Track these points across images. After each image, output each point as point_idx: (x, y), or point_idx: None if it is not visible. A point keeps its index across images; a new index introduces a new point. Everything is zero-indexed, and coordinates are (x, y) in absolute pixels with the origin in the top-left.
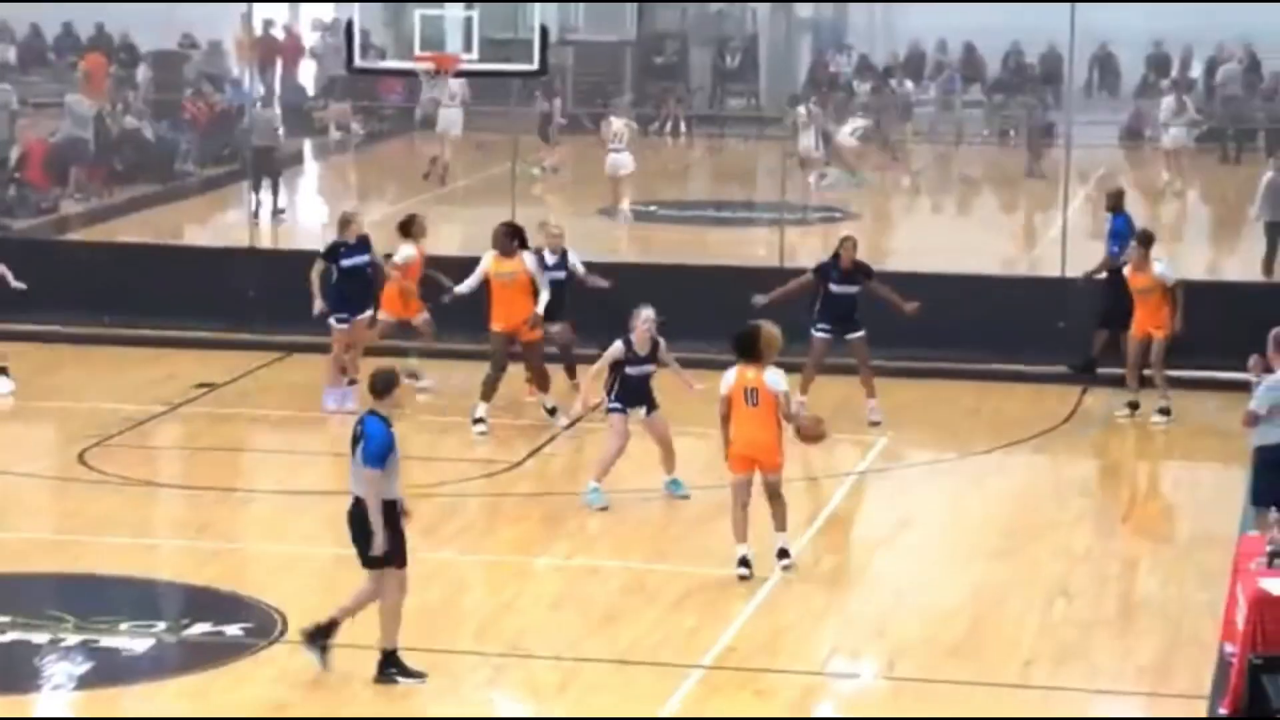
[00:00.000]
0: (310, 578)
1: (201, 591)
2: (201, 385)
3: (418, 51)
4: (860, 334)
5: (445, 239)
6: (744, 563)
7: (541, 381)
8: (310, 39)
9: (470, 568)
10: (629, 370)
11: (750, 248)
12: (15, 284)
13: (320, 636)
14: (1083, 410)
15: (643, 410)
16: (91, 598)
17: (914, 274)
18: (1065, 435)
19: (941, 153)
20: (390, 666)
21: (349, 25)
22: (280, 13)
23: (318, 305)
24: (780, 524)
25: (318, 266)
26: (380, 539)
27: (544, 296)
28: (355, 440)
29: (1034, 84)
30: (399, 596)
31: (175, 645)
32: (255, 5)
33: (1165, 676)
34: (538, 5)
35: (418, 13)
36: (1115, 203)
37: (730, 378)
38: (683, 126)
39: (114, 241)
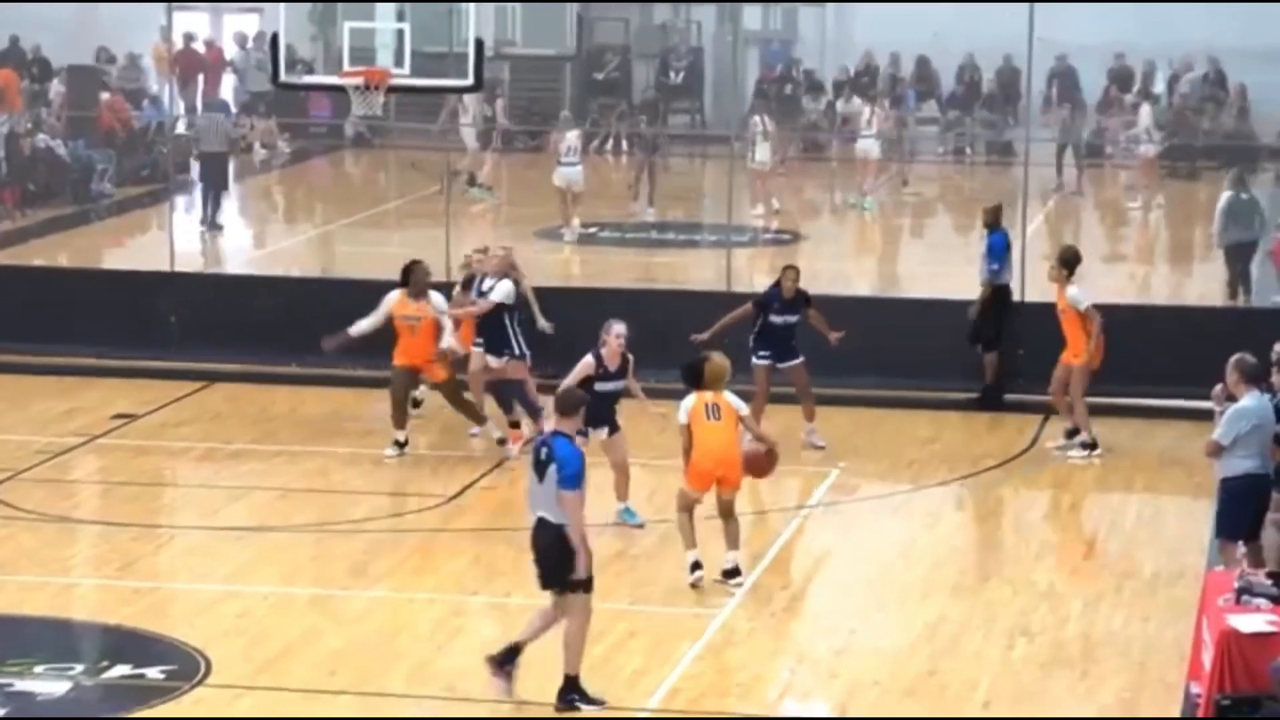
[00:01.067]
0: (235, 619)
1: (121, 632)
2: (119, 416)
3: (346, 66)
4: (798, 360)
5: (375, 262)
6: (697, 566)
7: (473, 416)
8: (232, 52)
9: (405, 606)
10: (598, 387)
11: (697, 271)
12: None
13: (506, 661)
14: (1043, 440)
15: (604, 431)
16: (5, 639)
17: (862, 298)
18: (1024, 466)
19: (894, 171)
20: (572, 692)
21: (274, 38)
22: (201, 25)
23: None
24: (734, 542)
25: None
26: (584, 562)
27: (447, 338)
28: (541, 463)
29: (991, 99)
30: (586, 620)
31: (94, 688)
32: (175, 16)
33: (1130, 716)
34: (473, 17)
35: (346, 25)
36: (992, 218)
37: (690, 401)
38: (624, 144)
39: (27, 265)
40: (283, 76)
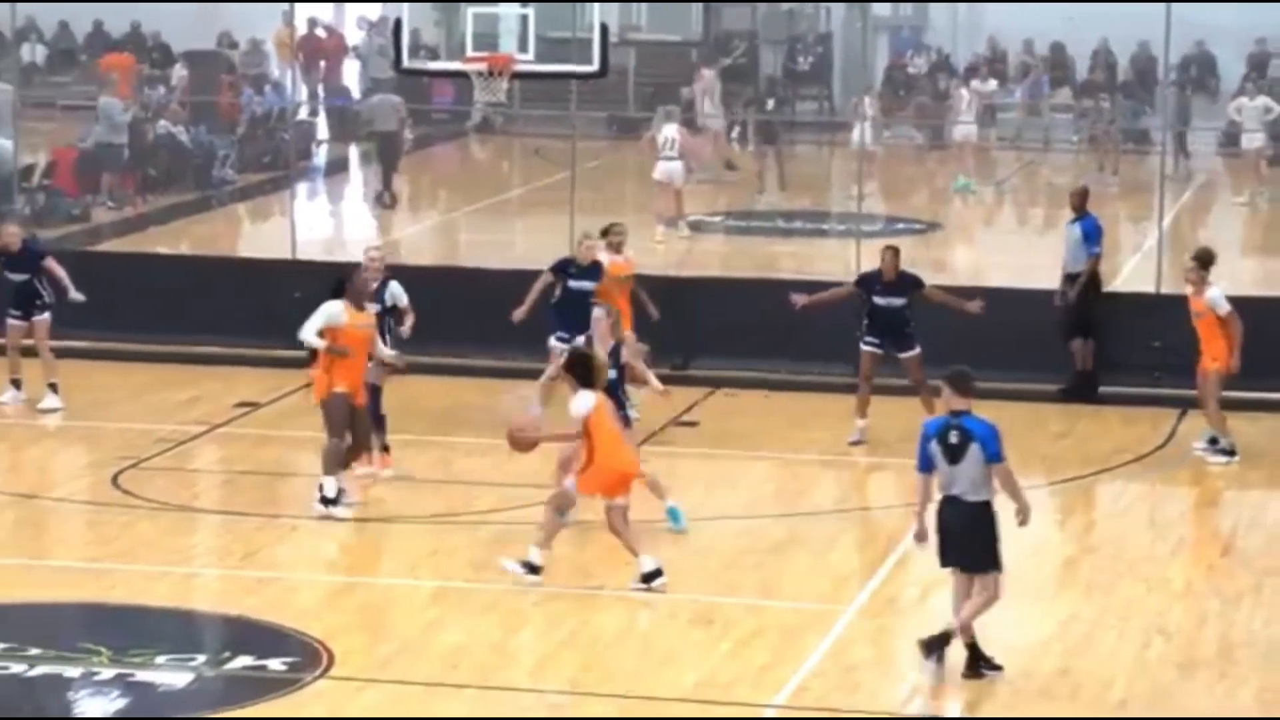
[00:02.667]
0: (357, 611)
1: (243, 623)
2: (242, 404)
3: (470, 52)
4: (913, 352)
5: (499, 250)
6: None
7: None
8: (355, 38)
9: (527, 600)
10: None
11: (824, 262)
12: (75, 295)
13: (937, 646)
14: (1179, 436)
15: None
16: (127, 629)
17: (993, 289)
18: (1160, 462)
19: (1028, 160)
20: (980, 660)
21: (397, 24)
22: (325, 10)
23: (518, 313)
24: (636, 548)
25: (544, 278)
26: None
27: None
28: (955, 445)
29: (1127, 86)
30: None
31: (215, 679)
32: (298, 3)
33: None
34: (597, 4)
35: (470, 11)
36: (1080, 203)
37: (590, 400)
38: (750, 131)
39: (148, 252)
40: (406, 62)
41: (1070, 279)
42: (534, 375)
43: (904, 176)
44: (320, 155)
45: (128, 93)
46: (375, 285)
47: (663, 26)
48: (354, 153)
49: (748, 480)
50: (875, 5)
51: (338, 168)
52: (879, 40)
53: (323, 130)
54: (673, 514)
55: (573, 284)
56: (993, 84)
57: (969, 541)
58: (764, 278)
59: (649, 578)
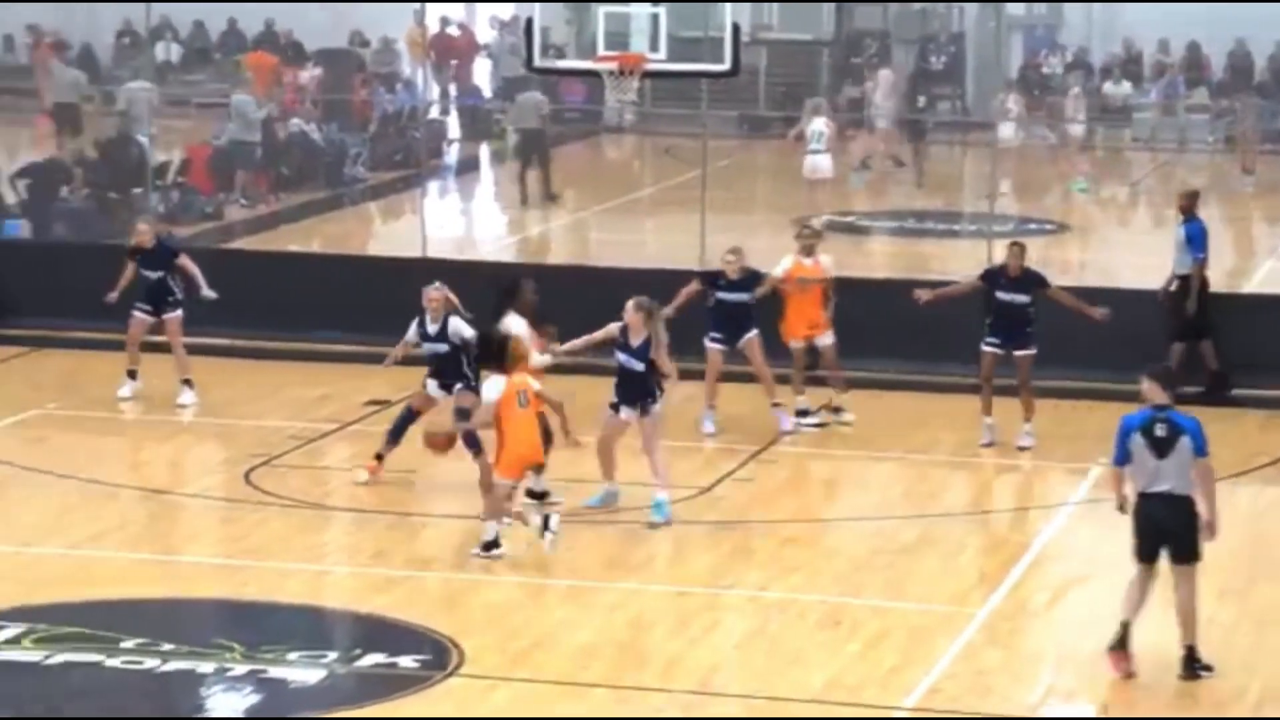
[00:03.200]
0: (488, 609)
1: (374, 620)
2: (373, 402)
3: (601, 51)
4: (1028, 352)
5: (628, 250)
6: (496, 544)
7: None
8: (487, 37)
9: (657, 599)
10: (620, 357)
11: (956, 261)
12: (207, 292)
13: (1124, 644)
14: None
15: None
16: (259, 626)
17: (1127, 290)
18: None
19: (1163, 161)
20: (1196, 662)
21: (529, 23)
22: (456, 9)
23: (666, 310)
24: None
25: (692, 287)
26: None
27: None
28: (1163, 439)
29: (1264, 86)
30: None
31: (347, 676)
32: (430, 2)
33: None
34: (729, 3)
35: (602, 10)
36: (1189, 205)
37: (500, 385)
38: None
39: (280, 250)
40: (537, 61)
41: (1181, 280)
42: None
43: (1038, 177)
44: (451, 154)
45: (264, 92)
46: (438, 325)
47: (794, 26)
48: (485, 151)
49: (876, 481)
50: (1009, 4)
51: (469, 166)
52: (1013, 39)
53: (454, 129)
54: (657, 507)
55: (722, 295)
56: (1126, 85)
57: (1184, 533)
58: (887, 278)
59: (488, 546)
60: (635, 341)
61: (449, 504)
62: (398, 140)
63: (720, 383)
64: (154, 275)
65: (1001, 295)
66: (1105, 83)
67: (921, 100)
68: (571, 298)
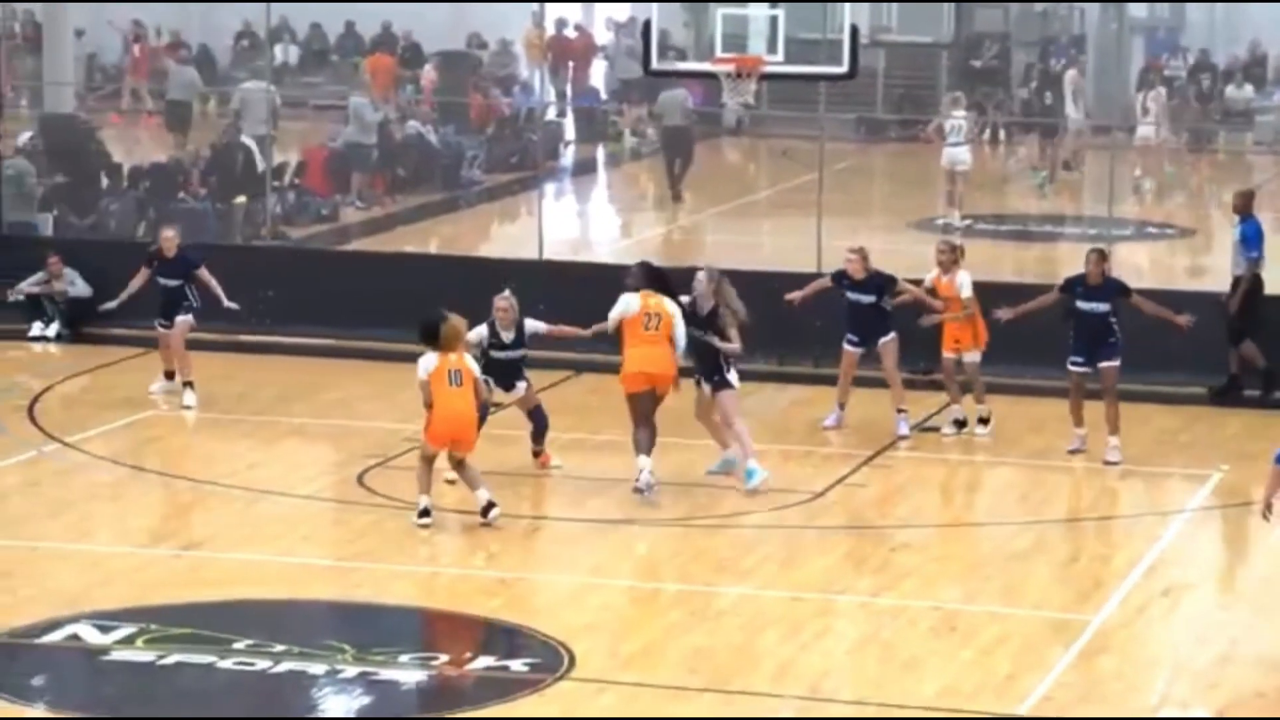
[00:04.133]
0: (598, 612)
1: (485, 624)
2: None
3: (719, 53)
4: (1112, 363)
5: (745, 252)
6: (426, 513)
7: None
8: (604, 38)
9: (769, 604)
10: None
11: (1074, 265)
12: (229, 304)
13: None
14: None
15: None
16: (370, 627)
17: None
18: None
19: None
20: None
21: (646, 25)
22: (573, 11)
23: (793, 295)
24: (475, 484)
25: (821, 283)
26: None
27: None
28: None
29: None
30: None
31: (458, 680)
32: (548, 4)
33: None
34: (848, 5)
35: (720, 12)
36: (1244, 204)
37: (431, 362)
38: (1002, 133)
39: (397, 251)
40: (654, 64)
41: (1237, 282)
42: (776, 378)
43: (1161, 181)
44: (568, 156)
45: (387, 92)
46: (511, 332)
47: (913, 28)
48: (601, 153)
49: (991, 486)
50: (1131, 6)
51: (585, 169)
52: (1135, 41)
53: (570, 131)
54: (749, 474)
55: (849, 295)
56: (1249, 89)
57: None
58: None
59: (485, 510)
60: (704, 309)
61: (559, 507)
62: (514, 142)
63: (852, 386)
64: (171, 283)
65: (1082, 304)
66: (1228, 85)
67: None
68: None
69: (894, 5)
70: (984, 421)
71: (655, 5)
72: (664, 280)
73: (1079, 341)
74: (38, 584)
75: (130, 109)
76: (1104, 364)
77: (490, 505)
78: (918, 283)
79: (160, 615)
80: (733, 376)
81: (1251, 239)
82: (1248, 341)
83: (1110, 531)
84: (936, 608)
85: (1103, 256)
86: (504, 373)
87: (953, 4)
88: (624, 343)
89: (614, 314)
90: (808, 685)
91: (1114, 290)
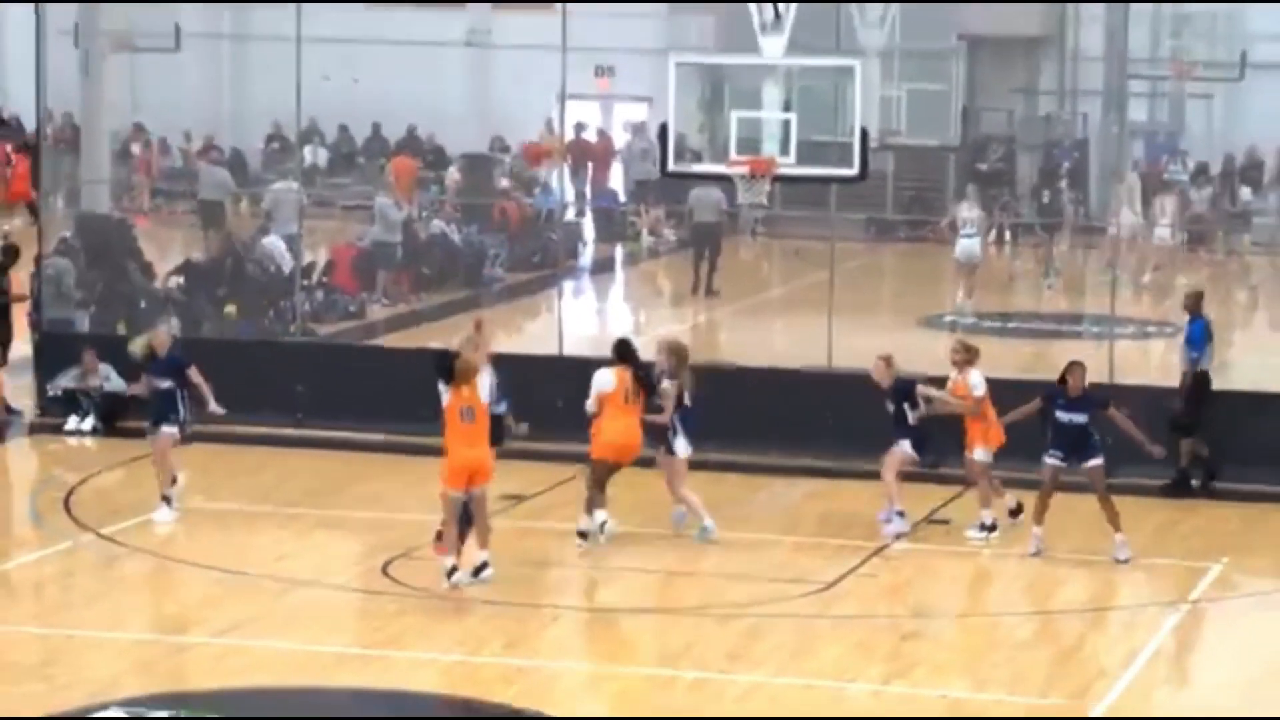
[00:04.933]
0: (616, 699)
1: (505, 710)
2: (508, 497)
3: (733, 155)
4: (1096, 462)
5: (757, 350)
6: (454, 570)
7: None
8: (622, 141)
9: (781, 691)
10: None
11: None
12: (215, 408)
13: None
14: None
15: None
16: (393, 715)
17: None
18: None
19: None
20: None
21: (663, 128)
22: (592, 114)
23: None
24: (484, 541)
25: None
26: None
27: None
28: None
29: None
30: None
31: None
32: (568, 106)
33: None
34: (859, 107)
35: (734, 115)
36: (1194, 305)
37: (445, 398)
38: (1008, 234)
39: (421, 347)
40: (671, 165)
41: (1190, 377)
42: (788, 471)
43: (1158, 280)
44: (586, 255)
45: (409, 193)
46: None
47: (922, 131)
48: (619, 253)
49: (996, 576)
50: (1131, 110)
51: (603, 267)
52: (1135, 145)
53: (589, 231)
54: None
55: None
56: (1247, 191)
57: None
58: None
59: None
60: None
61: (575, 596)
62: (535, 242)
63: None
64: (163, 385)
65: (1061, 415)
66: (1242, 188)
67: (1046, 196)
68: (706, 396)
69: (904, 108)
70: (988, 528)
71: (672, 108)
72: (635, 355)
73: (1059, 445)
74: (73, 671)
75: (152, 208)
76: (1089, 464)
77: (484, 565)
78: (941, 381)
79: (190, 702)
80: (679, 444)
81: (1196, 339)
82: (1187, 440)
83: (1113, 622)
84: (945, 695)
85: (1083, 369)
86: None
87: (960, 108)
88: (603, 415)
89: (592, 395)
90: None
91: (1093, 403)
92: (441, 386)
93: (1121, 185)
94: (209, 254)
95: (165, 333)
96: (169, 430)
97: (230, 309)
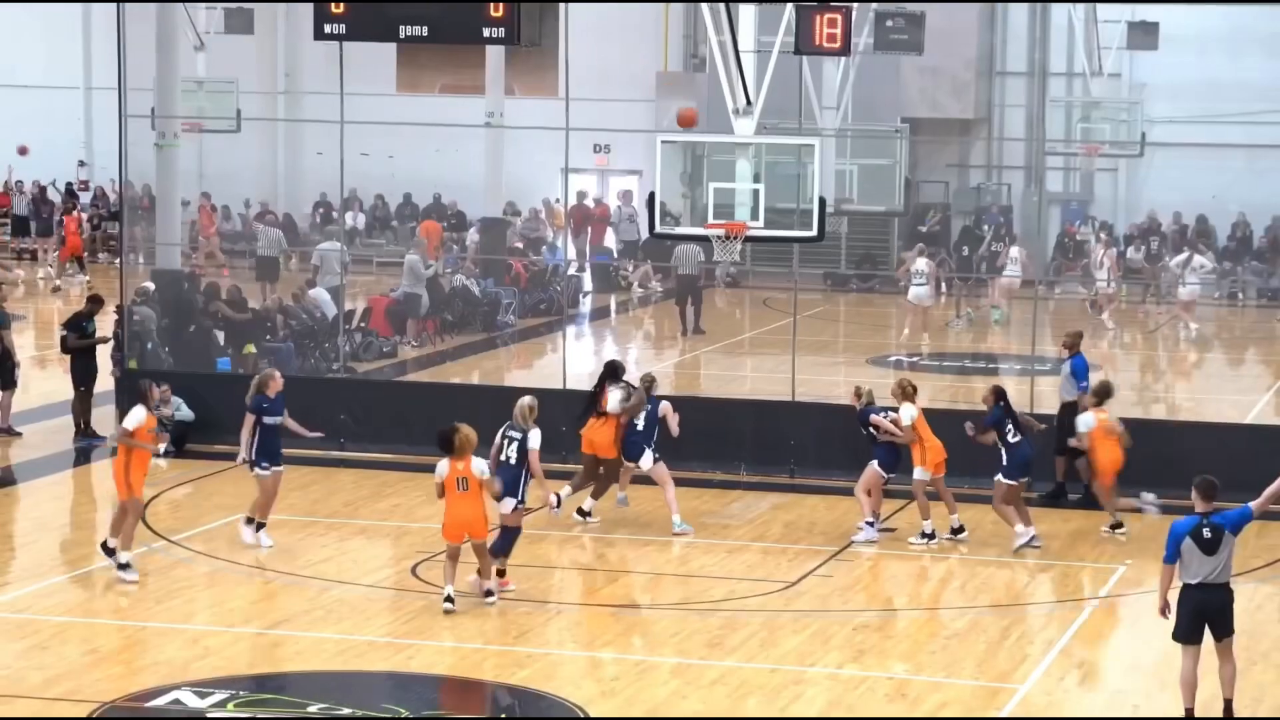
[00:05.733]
0: (610, 682)
1: (518, 691)
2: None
3: (710, 220)
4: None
5: (731, 384)
6: (450, 599)
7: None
8: (615, 207)
9: (752, 674)
10: None
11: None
12: (313, 434)
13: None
14: None
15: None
16: (423, 693)
17: (1152, 421)
18: None
19: (1176, 314)
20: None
21: (651, 196)
22: (591, 184)
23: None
24: (486, 573)
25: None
26: None
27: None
28: (1210, 540)
29: (1260, 252)
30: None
31: None
32: (571, 178)
33: None
34: (817, 179)
35: (711, 186)
36: (1073, 342)
37: (443, 468)
38: (944, 286)
39: (445, 382)
40: (657, 228)
41: (1066, 407)
42: (758, 487)
43: (1073, 325)
44: (586, 304)
45: (436, 251)
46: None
47: (870, 199)
48: (613, 301)
49: (935, 576)
50: (1049, 182)
51: (600, 314)
52: (1052, 211)
53: (588, 284)
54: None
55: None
56: (1144, 250)
57: (1227, 615)
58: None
59: (486, 594)
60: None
61: (577, 594)
62: (542, 293)
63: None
64: (275, 421)
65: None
66: (1129, 248)
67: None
68: (688, 421)
69: (855, 180)
70: (927, 535)
71: (658, 180)
72: (621, 372)
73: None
74: (148, 658)
75: (213, 264)
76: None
77: (489, 593)
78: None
79: (247, 684)
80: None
81: (1080, 372)
82: (1082, 459)
83: (1034, 615)
84: (890, 678)
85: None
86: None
87: (903, 180)
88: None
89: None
90: None
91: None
92: (441, 466)
93: (913, 260)
94: (263, 305)
95: (278, 376)
96: (278, 469)
97: (250, 348)
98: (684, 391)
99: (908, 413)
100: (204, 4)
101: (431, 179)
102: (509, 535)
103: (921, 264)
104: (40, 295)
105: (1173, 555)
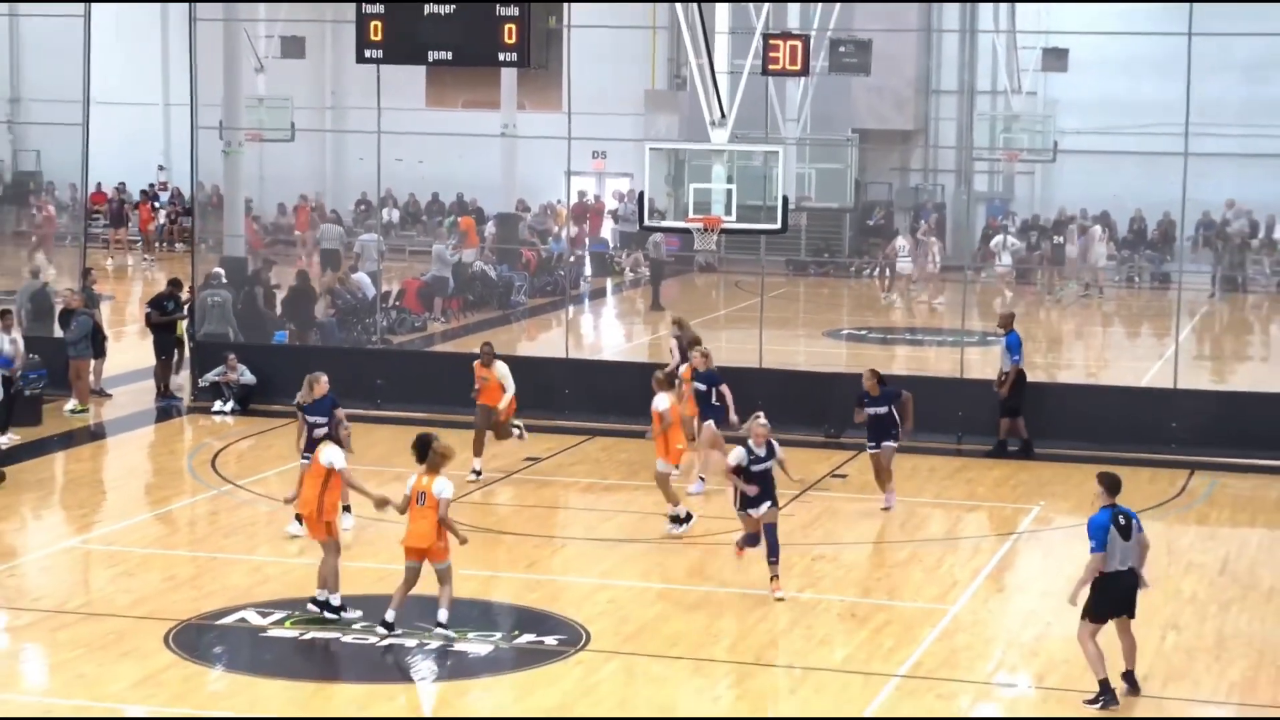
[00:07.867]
0: (607, 604)
1: (528, 611)
2: (529, 459)
3: (691, 214)
4: (890, 444)
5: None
6: (387, 625)
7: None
8: (611, 204)
9: (726, 599)
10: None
11: (936, 363)
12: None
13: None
14: (1190, 489)
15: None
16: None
17: (1066, 385)
18: (1175, 508)
19: (1081, 294)
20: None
21: (640, 195)
22: (590, 185)
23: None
24: (446, 602)
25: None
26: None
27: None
28: (1125, 526)
29: (1153, 242)
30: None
31: (509, 650)
32: (573, 180)
33: (1252, 691)
34: (780, 180)
35: (691, 186)
36: (1006, 323)
37: (411, 480)
38: (888, 271)
39: (468, 352)
40: (646, 221)
41: (1005, 374)
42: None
43: (997, 303)
44: (585, 286)
45: (475, 241)
46: (764, 449)
47: (826, 196)
48: (609, 284)
49: (880, 517)
50: (976, 182)
51: (598, 295)
52: (978, 208)
53: (588, 269)
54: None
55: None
56: (1057, 239)
57: (1133, 597)
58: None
59: (439, 625)
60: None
61: (580, 530)
62: (548, 277)
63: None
64: (319, 421)
65: (870, 409)
66: (1051, 238)
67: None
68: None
69: (813, 180)
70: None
71: (647, 181)
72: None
73: (869, 431)
74: (218, 583)
75: (288, 254)
76: (886, 444)
77: (441, 624)
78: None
79: (302, 605)
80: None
81: (1014, 346)
82: (1019, 419)
83: (963, 548)
84: (843, 600)
85: (874, 374)
86: (763, 483)
87: (854, 180)
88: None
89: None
90: (754, 654)
91: (889, 396)
92: (411, 478)
93: (896, 240)
94: (321, 288)
95: (323, 380)
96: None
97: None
98: (663, 359)
99: (663, 402)
100: (264, 33)
101: (455, 180)
102: None
103: (902, 241)
104: (127, 279)
105: (1102, 543)
